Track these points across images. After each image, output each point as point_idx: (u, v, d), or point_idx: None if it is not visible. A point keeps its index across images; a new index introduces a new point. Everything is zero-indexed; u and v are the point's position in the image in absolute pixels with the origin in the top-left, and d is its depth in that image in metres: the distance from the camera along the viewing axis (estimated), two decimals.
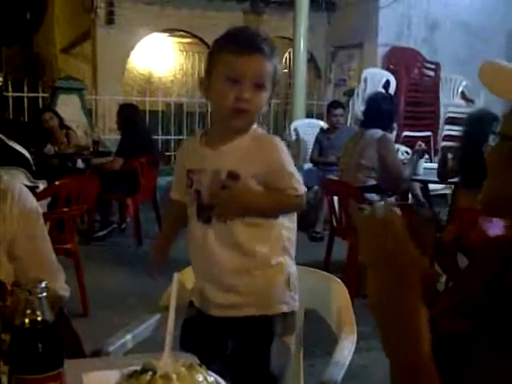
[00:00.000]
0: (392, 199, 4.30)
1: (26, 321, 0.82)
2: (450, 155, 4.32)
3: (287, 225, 1.66)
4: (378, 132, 4.20)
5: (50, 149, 6.15)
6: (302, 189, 1.63)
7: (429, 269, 0.92)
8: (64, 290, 1.58)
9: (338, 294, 1.68)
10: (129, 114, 6.00)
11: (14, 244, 1.44)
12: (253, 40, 1.57)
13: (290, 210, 1.66)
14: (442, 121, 8.59)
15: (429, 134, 8.26)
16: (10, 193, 1.43)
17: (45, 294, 0.82)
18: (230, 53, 1.55)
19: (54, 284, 1.52)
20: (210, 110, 1.75)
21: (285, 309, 1.63)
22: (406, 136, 7.55)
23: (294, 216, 1.69)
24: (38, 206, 1.55)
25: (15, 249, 1.44)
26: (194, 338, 1.69)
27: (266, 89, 1.58)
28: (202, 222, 1.63)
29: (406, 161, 4.75)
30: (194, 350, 1.38)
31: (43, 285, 0.82)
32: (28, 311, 0.82)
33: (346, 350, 1.49)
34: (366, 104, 4.58)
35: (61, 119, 6.56)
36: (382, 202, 0.97)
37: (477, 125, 3.95)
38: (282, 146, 1.64)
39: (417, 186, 4.70)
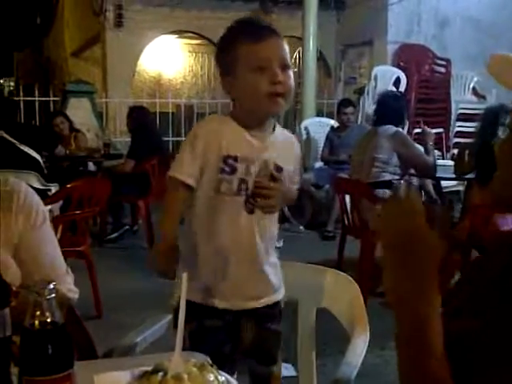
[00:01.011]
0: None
1: (36, 322, 0.82)
2: (467, 151, 4.29)
3: None
4: (391, 128, 4.19)
5: (60, 150, 6.18)
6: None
7: (447, 254, 0.93)
8: (72, 292, 1.56)
9: (351, 292, 1.67)
10: (139, 116, 6.02)
11: (20, 247, 1.43)
12: (263, 25, 1.59)
13: (290, 203, 1.80)
14: (453, 117, 8.53)
15: (440, 130, 8.21)
16: (15, 195, 1.42)
17: (53, 295, 0.82)
18: (248, 43, 1.54)
19: (60, 286, 1.51)
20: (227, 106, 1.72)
21: (283, 292, 1.73)
22: (417, 133, 7.50)
23: None
24: (46, 209, 1.54)
25: (21, 251, 1.43)
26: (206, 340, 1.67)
27: (291, 68, 1.60)
28: (246, 213, 1.60)
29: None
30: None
31: (51, 286, 0.82)
32: (37, 313, 0.82)
33: (358, 349, 1.48)
34: (377, 102, 4.57)
35: (71, 123, 6.58)
36: (404, 184, 0.97)
37: (492, 120, 3.93)
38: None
39: (429, 183, 4.67)
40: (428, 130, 4.57)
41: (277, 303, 1.70)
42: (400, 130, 4.22)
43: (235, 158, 1.57)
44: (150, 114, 6.48)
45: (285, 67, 1.56)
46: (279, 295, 1.70)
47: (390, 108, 4.32)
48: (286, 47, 1.59)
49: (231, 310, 1.65)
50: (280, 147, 1.65)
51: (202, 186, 1.60)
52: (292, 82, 1.58)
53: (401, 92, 4.63)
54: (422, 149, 4.34)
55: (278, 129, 1.68)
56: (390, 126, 4.21)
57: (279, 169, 1.63)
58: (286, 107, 1.59)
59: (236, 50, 1.56)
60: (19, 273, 1.41)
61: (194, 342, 1.54)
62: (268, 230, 1.65)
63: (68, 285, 1.53)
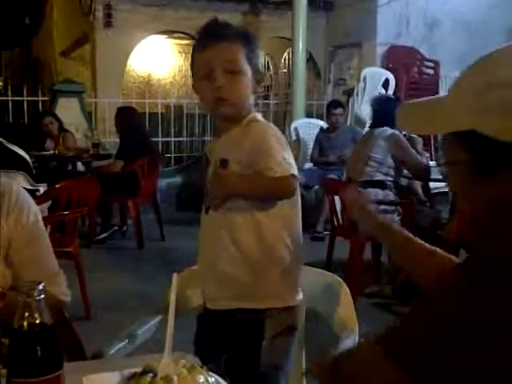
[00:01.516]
0: (395, 197, 4.29)
1: (25, 324, 0.81)
2: None
3: (287, 212, 1.62)
4: (388, 130, 4.21)
5: (49, 144, 6.16)
6: (285, 171, 1.52)
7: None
8: (64, 295, 1.55)
9: (340, 293, 1.68)
10: (127, 117, 6.01)
11: (11, 249, 1.42)
12: (212, 31, 1.59)
13: (274, 192, 1.57)
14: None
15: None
16: (7, 196, 1.41)
17: (43, 296, 0.82)
18: (197, 51, 1.60)
19: (53, 289, 1.50)
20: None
21: (279, 304, 1.61)
22: (405, 134, 7.54)
23: (295, 207, 1.65)
24: (37, 209, 1.53)
25: (12, 254, 1.42)
26: (204, 334, 1.71)
27: (241, 72, 1.57)
28: (204, 212, 1.66)
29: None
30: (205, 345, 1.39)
31: (41, 287, 0.81)
32: (26, 314, 0.81)
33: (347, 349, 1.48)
34: (372, 107, 4.61)
35: (60, 123, 6.56)
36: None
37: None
38: (269, 131, 1.59)
39: (418, 184, 4.70)
40: (415, 135, 4.61)
41: (250, 314, 1.60)
42: (396, 132, 4.24)
43: (208, 164, 1.68)
44: (138, 115, 6.45)
45: (233, 72, 1.56)
46: (252, 303, 1.59)
47: (384, 111, 4.35)
48: (238, 52, 1.56)
49: (216, 310, 1.67)
50: (233, 139, 1.60)
51: None
52: (241, 87, 1.57)
53: (397, 96, 4.67)
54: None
55: (245, 122, 1.61)
56: (386, 128, 4.23)
57: (224, 162, 1.60)
58: (235, 111, 1.59)
59: (192, 58, 1.64)
60: (8, 273, 1.40)
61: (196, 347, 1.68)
62: (229, 226, 1.58)
63: (61, 287, 1.52)
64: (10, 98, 8.18)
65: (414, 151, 4.25)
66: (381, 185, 4.22)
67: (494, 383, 0.86)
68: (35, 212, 1.49)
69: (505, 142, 0.91)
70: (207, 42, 1.56)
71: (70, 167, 6.29)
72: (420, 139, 4.96)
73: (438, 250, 1.40)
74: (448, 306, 0.90)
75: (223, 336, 1.68)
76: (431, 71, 9.05)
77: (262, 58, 10.37)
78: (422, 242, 1.45)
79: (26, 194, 1.50)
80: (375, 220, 1.49)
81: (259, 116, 1.66)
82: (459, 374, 0.87)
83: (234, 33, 1.59)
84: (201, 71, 1.58)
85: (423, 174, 4.25)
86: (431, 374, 0.89)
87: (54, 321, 0.84)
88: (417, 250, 1.43)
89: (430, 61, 9.07)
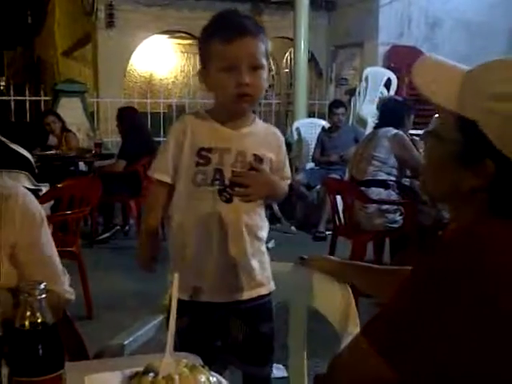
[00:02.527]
0: (398, 197, 4.29)
1: (26, 323, 0.81)
2: None
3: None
4: (392, 130, 4.21)
5: (52, 140, 6.16)
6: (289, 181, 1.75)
7: None
8: (69, 293, 1.58)
9: (342, 293, 1.67)
10: (128, 117, 6.01)
11: (17, 249, 1.43)
12: (238, 23, 1.56)
13: (282, 198, 1.76)
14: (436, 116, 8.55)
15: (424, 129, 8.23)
16: (13, 197, 1.42)
17: (44, 295, 0.82)
18: (220, 42, 1.54)
19: (58, 288, 1.51)
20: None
21: (273, 285, 1.71)
22: (409, 134, 7.54)
23: None
24: (43, 211, 1.54)
25: (18, 254, 1.43)
26: (195, 340, 1.66)
27: (263, 67, 1.58)
28: (222, 202, 1.60)
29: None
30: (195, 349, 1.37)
31: (42, 286, 0.82)
32: (28, 313, 0.81)
33: None
34: (379, 107, 4.63)
35: (63, 122, 6.56)
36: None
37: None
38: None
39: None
40: (416, 138, 4.63)
41: (264, 299, 1.69)
42: (400, 132, 4.23)
43: (209, 150, 1.60)
44: (140, 114, 6.46)
45: (256, 68, 1.56)
46: (265, 289, 1.69)
47: (390, 112, 4.36)
48: (261, 46, 1.57)
49: (217, 303, 1.65)
50: (260, 137, 1.66)
51: (180, 180, 1.63)
52: (262, 82, 1.58)
53: (405, 98, 4.69)
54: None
55: (258, 121, 1.70)
56: (390, 128, 4.22)
57: (259, 158, 1.63)
58: (253, 106, 1.67)
59: (210, 47, 1.58)
60: (14, 272, 1.41)
61: (183, 339, 1.54)
62: (250, 219, 1.62)
63: (64, 286, 1.53)
64: (12, 98, 8.19)
65: (416, 152, 4.25)
66: (383, 184, 4.22)
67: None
68: (41, 213, 1.50)
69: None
70: (232, 35, 1.53)
71: (72, 167, 6.30)
72: (421, 142, 4.97)
73: (399, 268, 1.46)
74: (419, 287, 0.94)
75: (222, 329, 1.68)
76: None
77: None
78: (382, 267, 1.58)
79: (32, 196, 1.51)
80: (351, 268, 1.63)
81: None
82: (438, 353, 0.88)
83: (256, 26, 1.58)
84: (222, 63, 1.55)
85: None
86: (409, 356, 0.90)
87: (56, 320, 0.84)
88: (378, 275, 1.52)
89: None
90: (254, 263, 1.65)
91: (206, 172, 1.59)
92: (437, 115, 1.10)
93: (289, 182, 1.73)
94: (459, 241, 0.96)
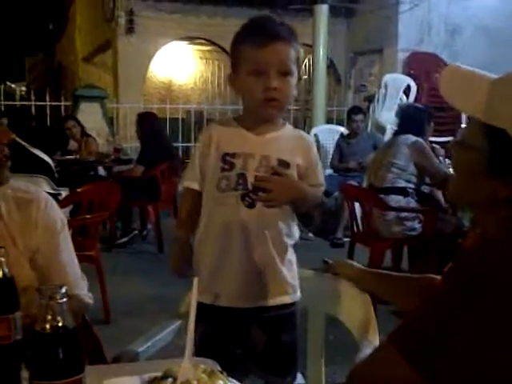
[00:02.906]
0: (417, 204, 4.25)
1: (47, 326, 0.82)
2: None
3: (295, 218, 1.71)
4: (411, 137, 4.17)
5: (73, 144, 6.21)
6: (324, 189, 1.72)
7: None
8: (88, 297, 1.59)
9: (361, 300, 1.66)
10: (148, 122, 6.03)
11: (38, 253, 1.44)
12: (271, 29, 1.57)
13: (315, 205, 1.73)
14: (464, 125, 8.51)
15: (451, 139, 8.19)
16: (36, 202, 1.43)
17: (65, 299, 0.82)
18: (251, 46, 1.55)
19: (78, 292, 1.53)
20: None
21: (299, 295, 1.69)
22: (430, 141, 7.50)
23: None
24: (64, 216, 1.56)
25: (39, 258, 1.44)
26: (214, 344, 1.65)
27: (292, 74, 1.58)
28: (245, 207, 1.58)
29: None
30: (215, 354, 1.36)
31: (63, 290, 0.82)
32: (48, 317, 0.82)
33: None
34: (399, 114, 4.59)
35: (82, 127, 6.62)
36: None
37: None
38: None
39: (439, 192, 4.66)
40: (436, 146, 4.60)
41: (288, 309, 1.66)
42: (420, 139, 4.18)
43: (233, 155, 1.60)
44: (158, 119, 6.48)
45: (285, 73, 1.56)
46: (289, 298, 1.65)
47: (411, 120, 4.32)
48: (292, 52, 1.57)
49: (238, 309, 1.63)
50: (287, 142, 1.64)
51: (206, 187, 1.64)
52: (290, 88, 1.59)
53: (425, 105, 4.67)
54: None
55: (288, 127, 1.69)
56: (410, 135, 4.18)
57: (284, 163, 1.61)
58: (281, 113, 1.64)
59: (240, 50, 1.59)
60: (34, 275, 1.42)
61: (203, 344, 1.56)
62: (274, 225, 1.60)
63: (84, 290, 1.54)
64: (33, 103, 8.29)
65: (436, 159, 4.21)
66: (403, 192, 4.18)
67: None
68: (62, 219, 1.51)
69: None
70: (264, 40, 1.54)
71: (91, 172, 6.34)
72: (442, 149, 4.93)
73: (420, 276, 1.46)
74: (448, 295, 0.92)
75: (244, 336, 1.67)
76: None
77: None
78: (403, 275, 1.61)
79: (54, 202, 1.52)
80: (371, 275, 1.62)
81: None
82: (467, 361, 0.87)
83: (288, 33, 1.58)
84: (251, 67, 1.56)
85: (443, 183, 4.22)
86: (439, 365, 0.89)
87: (76, 324, 0.85)
88: (400, 283, 1.51)
89: None
90: (279, 270, 1.63)
91: (229, 177, 1.59)
92: (464, 125, 1.10)
93: (322, 188, 1.70)
94: (486, 250, 0.95)
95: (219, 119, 1.78)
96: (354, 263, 1.68)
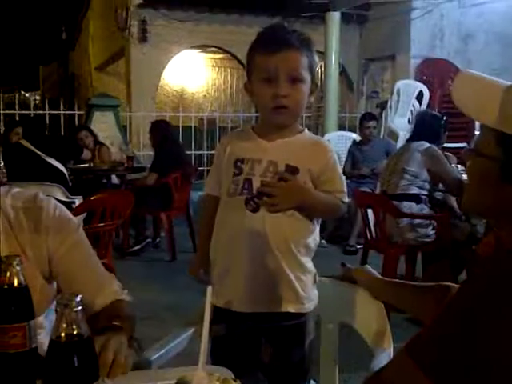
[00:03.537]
0: (430, 211, 4.23)
1: (62, 335, 0.82)
2: None
3: (317, 228, 1.69)
4: (425, 143, 4.16)
5: (87, 154, 6.25)
6: (347, 197, 1.68)
7: None
8: (124, 294, 1.59)
9: (374, 308, 1.66)
10: (161, 130, 6.06)
11: (53, 260, 1.44)
12: (281, 36, 1.58)
13: (334, 214, 1.72)
14: (477, 132, 8.46)
15: (464, 145, 8.15)
16: (45, 209, 1.43)
17: (80, 307, 0.83)
18: (261, 54, 1.58)
19: (114, 288, 1.52)
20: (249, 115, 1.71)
21: (312, 307, 1.66)
22: (444, 148, 7.47)
23: (320, 221, 1.71)
24: (75, 219, 1.55)
25: (57, 265, 1.43)
26: (228, 349, 1.66)
27: (304, 81, 1.58)
28: (249, 211, 1.59)
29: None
30: (228, 361, 1.36)
31: (79, 299, 0.83)
32: (64, 325, 0.82)
33: (382, 364, 1.46)
34: (415, 120, 4.58)
35: (95, 136, 6.66)
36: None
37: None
38: (335, 154, 1.69)
39: (453, 199, 4.63)
40: (448, 154, 4.59)
41: (296, 319, 1.63)
42: (433, 146, 4.17)
43: (242, 160, 1.63)
44: (172, 127, 6.51)
45: (295, 80, 1.56)
46: (293, 308, 1.63)
47: (426, 126, 4.31)
48: (302, 60, 1.58)
49: (245, 313, 1.63)
50: (299, 148, 1.63)
51: (221, 193, 1.68)
52: (301, 95, 1.59)
53: (441, 113, 4.67)
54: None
55: (306, 133, 1.69)
56: (423, 142, 4.17)
57: (293, 169, 1.60)
58: (293, 119, 1.64)
59: (252, 58, 1.62)
60: (49, 288, 1.41)
61: (214, 347, 1.61)
62: (280, 230, 1.59)
63: (117, 287, 1.54)
64: (47, 112, 8.35)
65: (449, 166, 4.19)
66: (416, 198, 4.16)
67: None
68: (74, 220, 1.50)
69: None
70: (273, 47, 1.56)
71: (104, 180, 6.38)
72: (454, 157, 4.92)
73: (436, 284, 1.44)
74: (464, 307, 0.91)
75: (257, 337, 1.67)
76: None
77: None
78: (419, 284, 1.55)
79: (64, 208, 1.52)
80: (385, 284, 1.59)
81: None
82: (482, 371, 0.86)
83: (300, 40, 1.59)
84: (262, 74, 1.58)
85: (457, 189, 4.19)
86: (458, 379, 0.88)
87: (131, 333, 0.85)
88: (417, 294, 1.49)
89: None
90: (285, 278, 1.61)
91: (238, 182, 1.61)
92: (478, 132, 1.09)
93: (342, 196, 1.66)
94: (503, 260, 0.93)
95: (238, 129, 1.82)
96: (372, 271, 1.65)
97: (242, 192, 1.60)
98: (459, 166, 5.11)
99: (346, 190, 1.68)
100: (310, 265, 1.66)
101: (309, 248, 1.65)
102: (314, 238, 1.67)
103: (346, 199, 1.68)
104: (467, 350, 0.87)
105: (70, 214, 1.52)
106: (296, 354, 1.66)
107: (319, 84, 9.66)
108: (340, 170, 1.69)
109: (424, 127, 4.30)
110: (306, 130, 1.71)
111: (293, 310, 1.63)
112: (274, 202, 1.57)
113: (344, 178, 1.69)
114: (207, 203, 1.75)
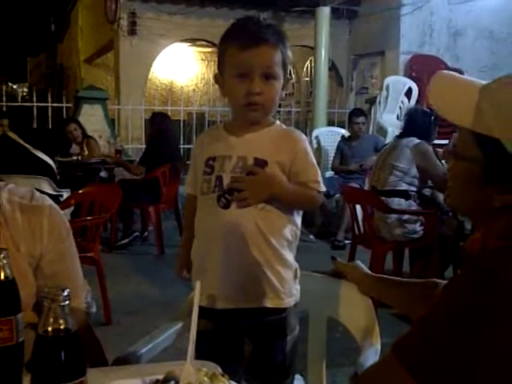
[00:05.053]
0: (418, 207, 4.25)
1: (49, 329, 0.82)
2: None
3: (297, 220, 1.66)
4: (415, 139, 4.16)
5: (75, 148, 6.21)
6: (323, 186, 1.63)
7: None
8: (89, 306, 1.57)
9: (362, 303, 1.66)
10: (156, 124, 6.02)
11: (42, 261, 1.43)
12: (255, 31, 1.55)
13: (309, 204, 1.67)
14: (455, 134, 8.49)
15: (444, 147, 8.18)
16: (40, 209, 1.42)
17: (67, 302, 0.82)
18: (235, 48, 1.54)
19: (77, 301, 1.51)
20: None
21: (293, 302, 1.65)
22: (433, 144, 7.49)
23: (301, 213, 1.68)
24: (68, 224, 1.55)
25: (43, 267, 1.43)
26: (212, 345, 1.65)
27: (277, 78, 1.56)
28: (220, 208, 1.58)
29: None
30: (213, 355, 1.36)
31: (66, 293, 0.82)
32: (51, 319, 0.82)
33: (370, 359, 1.47)
34: (405, 117, 4.57)
35: (83, 130, 6.62)
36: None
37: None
38: (306, 140, 1.66)
39: (441, 195, 4.66)
40: (439, 149, 4.60)
41: (274, 314, 1.62)
42: (423, 142, 4.18)
43: (213, 159, 1.62)
44: (170, 121, 6.41)
45: (268, 77, 1.54)
46: (274, 303, 1.61)
47: (417, 123, 4.31)
48: (277, 56, 1.55)
49: (221, 310, 1.62)
50: (267, 141, 1.61)
51: (197, 192, 1.68)
52: (274, 92, 1.57)
53: (430, 109, 4.69)
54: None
55: (276, 127, 1.65)
56: (413, 138, 4.18)
57: (261, 162, 1.58)
58: (266, 116, 1.61)
59: (225, 52, 1.58)
60: (35, 284, 1.41)
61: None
62: (253, 224, 1.56)
63: (85, 299, 1.53)
64: (34, 104, 8.29)
65: (438, 162, 4.21)
66: (404, 195, 4.18)
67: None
68: (66, 227, 1.50)
69: None
70: (248, 42, 1.53)
71: (92, 173, 6.34)
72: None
73: (425, 281, 1.44)
74: (451, 308, 0.91)
75: (239, 334, 1.67)
76: None
77: None
78: (409, 280, 1.56)
79: (58, 209, 1.51)
80: (374, 280, 1.58)
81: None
82: (467, 369, 0.86)
83: (275, 35, 1.56)
84: (235, 69, 1.55)
85: (444, 186, 4.20)
86: (443, 380, 0.88)
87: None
88: (407, 291, 1.48)
89: (454, 70, 8.96)
90: (262, 272, 1.59)
91: (210, 180, 1.61)
92: (455, 133, 1.08)
93: (316, 186, 1.61)
94: (489, 260, 0.93)
95: (212, 127, 1.80)
96: (362, 266, 1.65)
97: (214, 190, 1.59)
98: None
99: (320, 179, 1.63)
100: (289, 258, 1.64)
101: (287, 240, 1.62)
102: (292, 230, 1.63)
103: (322, 188, 1.63)
104: (453, 351, 0.87)
105: (63, 218, 1.51)
106: (277, 349, 1.64)
107: (309, 79, 9.72)
108: (313, 160, 1.64)
109: (415, 124, 4.31)
110: (278, 121, 1.68)
111: (271, 306, 1.61)
112: (244, 196, 1.56)
113: (317, 167, 1.64)
114: (188, 203, 1.76)
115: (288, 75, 1.64)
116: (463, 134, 1.01)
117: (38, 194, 1.47)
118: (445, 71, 1.13)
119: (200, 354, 1.36)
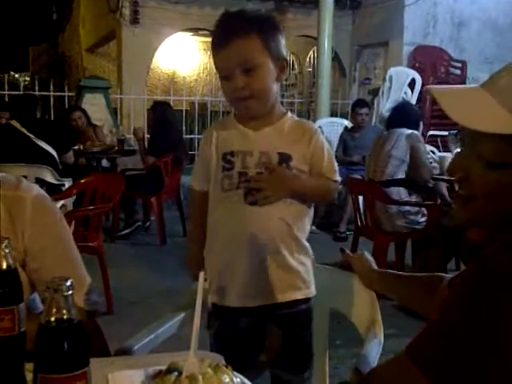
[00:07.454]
0: (419, 198, 4.25)
1: (52, 319, 0.81)
2: None
3: (312, 211, 1.68)
4: (407, 130, 4.21)
5: (79, 147, 6.20)
6: (339, 177, 1.66)
7: None
8: (89, 303, 1.53)
9: (364, 294, 1.65)
10: (158, 113, 5.99)
11: (29, 254, 1.39)
12: (226, 27, 1.55)
13: (327, 196, 1.70)
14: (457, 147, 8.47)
15: (455, 132, 8.15)
16: (24, 200, 1.38)
17: (71, 292, 0.81)
18: (213, 52, 1.58)
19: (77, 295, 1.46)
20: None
21: (314, 291, 1.67)
22: (431, 135, 7.46)
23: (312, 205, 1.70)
24: (58, 210, 1.50)
25: (32, 259, 1.39)
26: (230, 346, 1.64)
27: (260, 66, 1.54)
28: (248, 204, 1.57)
29: (431, 160, 4.73)
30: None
31: (69, 283, 0.81)
32: (54, 310, 0.81)
33: (373, 351, 1.46)
34: (395, 109, 4.60)
35: (88, 118, 6.59)
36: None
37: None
38: (319, 130, 1.68)
39: (443, 186, 4.65)
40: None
41: (303, 304, 1.65)
42: (416, 132, 4.23)
43: (231, 154, 1.60)
44: (172, 110, 6.39)
45: (248, 70, 1.53)
46: (300, 294, 1.63)
47: (408, 115, 4.37)
48: (255, 44, 1.52)
49: (251, 308, 1.62)
50: (285, 134, 1.61)
51: (211, 189, 1.65)
52: (261, 81, 1.54)
53: (416, 104, 4.79)
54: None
55: (289, 118, 1.65)
56: (405, 128, 4.23)
57: (286, 157, 1.58)
58: (262, 103, 1.58)
59: (212, 54, 1.60)
60: (26, 281, 1.37)
61: (216, 345, 1.62)
62: (281, 219, 1.58)
63: (85, 296, 1.48)
64: (36, 93, 8.26)
65: (426, 156, 4.26)
66: (403, 183, 4.19)
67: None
68: (55, 212, 1.45)
69: None
70: (221, 42, 1.53)
71: (95, 163, 6.32)
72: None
73: (431, 275, 1.43)
74: (463, 309, 0.89)
75: (256, 335, 1.66)
76: (458, 71, 8.95)
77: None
78: (414, 275, 1.53)
79: (46, 196, 1.47)
80: (378, 275, 1.57)
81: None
82: (479, 367, 0.85)
83: (248, 24, 1.52)
84: (219, 73, 1.58)
85: (424, 176, 4.22)
86: (454, 379, 0.87)
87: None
88: (413, 287, 1.46)
89: (457, 61, 8.97)
90: (290, 266, 1.61)
91: (231, 176, 1.59)
92: (465, 146, 1.01)
93: (334, 177, 1.64)
94: (499, 258, 0.91)
95: (221, 119, 1.79)
96: (370, 259, 1.64)
97: (238, 186, 1.58)
98: (445, 153, 5.18)
99: (336, 168, 1.66)
100: (309, 248, 1.67)
101: (307, 230, 1.66)
102: (310, 220, 1.67)
103: (338, 178, 1.65)
104: (466, 350, 0.85)
105: (53, 205, 1.47)
106: (306, 338, 1.68)
107: (312, 70, 9.67)
108: (330, 150, 1.66)
109: (406, 115, 4.37)
110: (289, 112, 1.67)
111: (302, 297, 1.64)
112: (263, 195, 1.56)
113: (334, 157, 1.68)
114: (198, 201, 1.72)
115: (280, 56, 1.58)
116: (488, 140, 0.94)
117: (25, 182, 1.43)
118: (434, 86, 1.07)
119: (222, 350, 1.34)
